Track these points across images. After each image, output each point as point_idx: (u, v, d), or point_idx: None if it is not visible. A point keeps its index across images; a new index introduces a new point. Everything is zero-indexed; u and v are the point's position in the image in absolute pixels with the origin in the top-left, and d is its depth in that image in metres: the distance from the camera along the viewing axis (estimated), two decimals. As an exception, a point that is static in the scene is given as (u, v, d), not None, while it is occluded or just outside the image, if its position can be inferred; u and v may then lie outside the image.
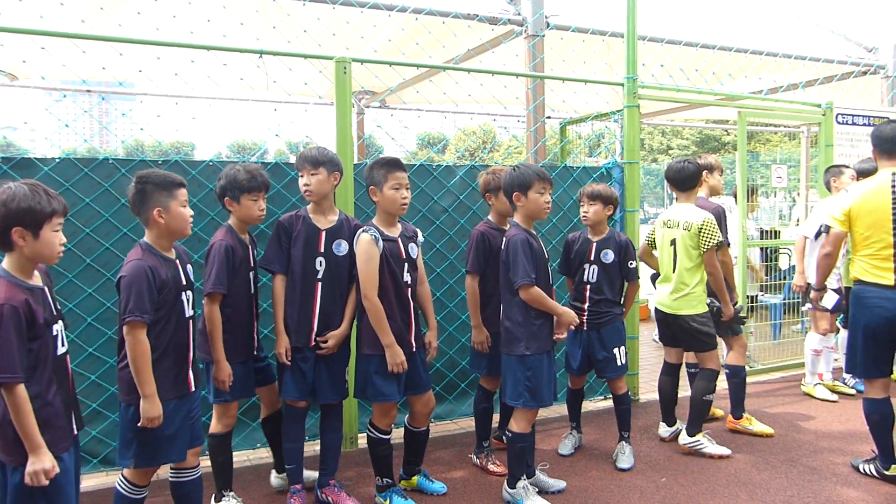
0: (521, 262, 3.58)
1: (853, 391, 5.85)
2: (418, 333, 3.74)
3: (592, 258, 4.40)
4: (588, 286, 4.41)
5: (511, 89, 5.94)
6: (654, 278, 5.18)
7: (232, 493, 3.66)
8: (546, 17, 6.16)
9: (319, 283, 3.62)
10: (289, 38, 5.82)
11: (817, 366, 5.87)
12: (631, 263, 4.42)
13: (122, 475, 3.06)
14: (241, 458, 4.43)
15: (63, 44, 4.75)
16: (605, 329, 4.36)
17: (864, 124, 7.08)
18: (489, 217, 4.29)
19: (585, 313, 4.40)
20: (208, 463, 3.62)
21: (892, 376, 4.19)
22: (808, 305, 5.66)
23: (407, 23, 6.00)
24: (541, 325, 3.69)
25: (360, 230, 3.58)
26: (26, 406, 2.34)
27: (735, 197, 7.26)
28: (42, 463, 2.35)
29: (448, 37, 6.20)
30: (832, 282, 5.61)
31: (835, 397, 5.72)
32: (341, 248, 3.65)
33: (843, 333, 6.00)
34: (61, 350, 2.55)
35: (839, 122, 6.92)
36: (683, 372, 4.97)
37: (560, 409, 5.22)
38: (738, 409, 4.98)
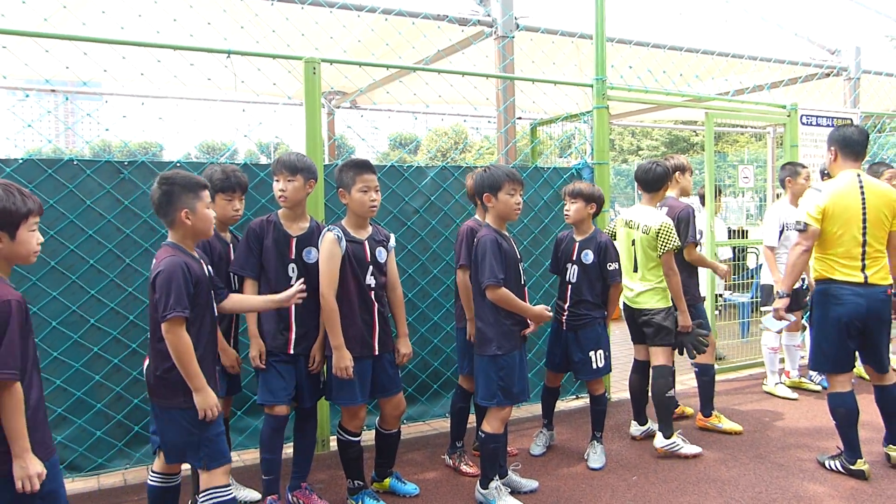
0: (488, 262, 3.59)
1: (819, 388, 5.95)
2: (384, 337, 3.69)
3: (574, 258, 4.41)
4: (569, 286, 4.41)
5: (481, 90, 5.94)
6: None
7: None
8: (516, 19, 6.18)
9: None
10: (257, 38, 5.76)
11: (776, 364, 5.95)
12: (610, 265, 4.36)
13: (154, 470, 3.12)
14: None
15: (25, 42, 4.66)
16: (582, 331, 4.37)
17: (828, 125, 7.21)
18: (476, 216, 4.32)
19: (565, 313, 4.41)
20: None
21: (854, 370, 4.28)
22: (770, 307, 5.75)
23: (376, 23, 5.98)
24: (511, 325, 3.69)
25: (325, 229, 3.56)
26: (21, 406, 2.29)
27: (701, 197, 7.35)
28: (34, 466, 2.30)
29: (418, 37, 6.19)
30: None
31: (796, 395, 5.80)
32: (311, 255, 3.62)
33: (810, 331, 6.10)
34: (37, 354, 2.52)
35: (804, 123, 7.04)
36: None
37: (532, 409, 5.24)
38: (707, 407, 5.04)
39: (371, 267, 3.61)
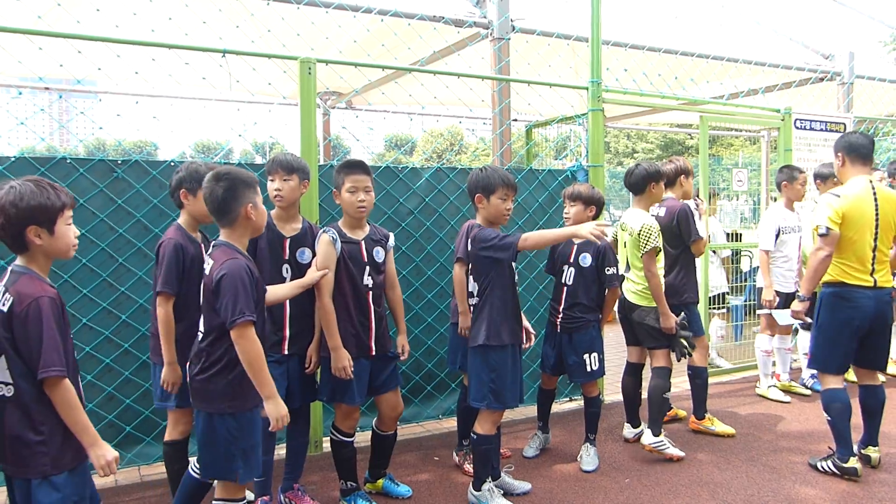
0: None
1: (809, 392, 5.97)
2: (382, 337, 3.69)
3: (571, 260, 4.40)
4: (565, 288, 4.41)
5: (477, 92, 5.95)
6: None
7: None
8: (511, 21, 6.19)
9: None
10: (252, 38, 5.77)
11: (769, 367, 5.96)
12: (609, 269, 4.36)
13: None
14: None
15: (19, 40, 4.64)
16: (576, 334, 4.36)
17: (822, 129, 7.24)
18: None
19: (560, 315, 4.41)
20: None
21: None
22: (765, 310, 5.77)
23: (372, 24, 5.98)
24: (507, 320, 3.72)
25: (321, 230, 3.57)
26: (76, 399, 2.30)
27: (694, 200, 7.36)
28: (110, 451, 2.34)
29: (414, 38, 6.19)
30: (789, 284, 5.72)
31: (788, 398, 5.82)
32: (305, 255, 3.62)
33: (802, 334, 6.11)
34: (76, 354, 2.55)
35: (797, 128, 7.06)
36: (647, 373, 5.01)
37: (525, 411, 5.24)
38: (700, 410, 5.05)
39: (368, 267, 3.60)
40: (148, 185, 4.18)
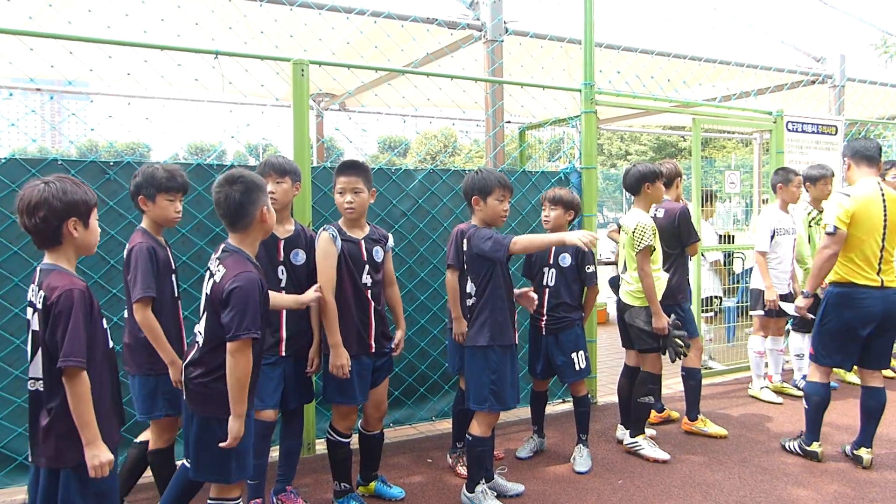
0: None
1: (801, 393, 5.98)
2: (382, 335, 3.71)
3: (551, 262, 4.43)
4: (547, 290, 4.43)
5: (470, 94, 5.95)
6: (611, 282, 5.24)
7: None
8: (505, 23, 6.19)
9: (284, 292, 3.58)
10: (245, 40, 5.74)
11: (761, 368, 5.98)
12: (589, 268, 4.42)
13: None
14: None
15: (10, 41, 4.61)
16: (562, 334, 4.38)
17: (813, 132, 7.27)
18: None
19: (544, 318, 4.42)
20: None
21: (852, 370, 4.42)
22: (759, 311, 5.79)
23: (365, 26, 5.97)
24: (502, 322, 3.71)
25: (321, 228, 3.60)
26: (88, 395, 2.35)
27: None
28: (105, 454, 2.38)
29: (407, 40, 6.19)
30: (783, 286, 5.74)
31: (780, 399, 5.84)
32: (298, 257, 3.63)
33: (794, 336, 6.13)
34: (111, 344, 2.60)
35: (789, 130, 7.09)
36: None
37: (519, 413, 5.24)
38: (693, 411, 5.06)
39: (367, 266, 3.63)
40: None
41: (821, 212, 5.60)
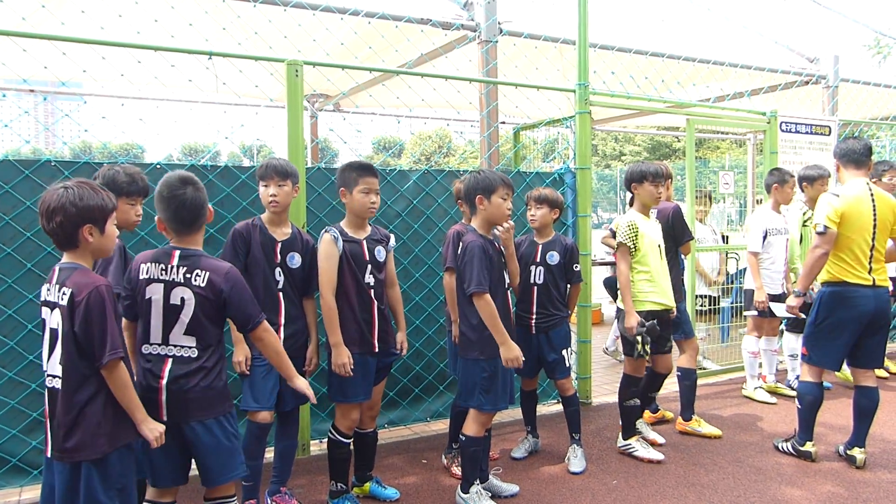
0: (475, 269, 3.59)
1: (795, 393, 5.99)
2: (384, 334, 3.74)
3: (538, 260, 4.45)
4: (535, 287, 4.44)
5: (465, 94, 5.95)
6: (605, 283, 5.26)
7: None
8: (499, 24, 6.19)
9: (281, 294, 3.60)
10: (239, 40, 5.73)
11: (755, 368, 6.00)
12: (576, 266, 4.49)
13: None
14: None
15: (3, 42, 4.61)
16: (552, 332, 4.41)
17: (807, 132, 7.30)
18: (463, 221, 4.38)
19: (533, 317, 4.43)
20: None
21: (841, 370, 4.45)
22: (753, 311, 5.81)
23: (360, 26, 5.97)
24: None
25: (323, 230, 3.61)
26: (129, 381, 2.48)
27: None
28: (157, 425, 2.55)
29: (401, 41, 6.19)
30: (776, 286, 5.75)
31: (774, 400, 5.86)
32: (295, 260, 3.65)
33: (787, 336, 6.15)
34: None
35: (783, 130, 7.11)
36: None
37: (514, 413, 5.24)
38: (687, 412, 5.07)
39: (369, 266, 3.66)
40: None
41: None
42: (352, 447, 3.77)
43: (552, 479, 4.24)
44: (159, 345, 2.76)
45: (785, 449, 4.61)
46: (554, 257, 4.43)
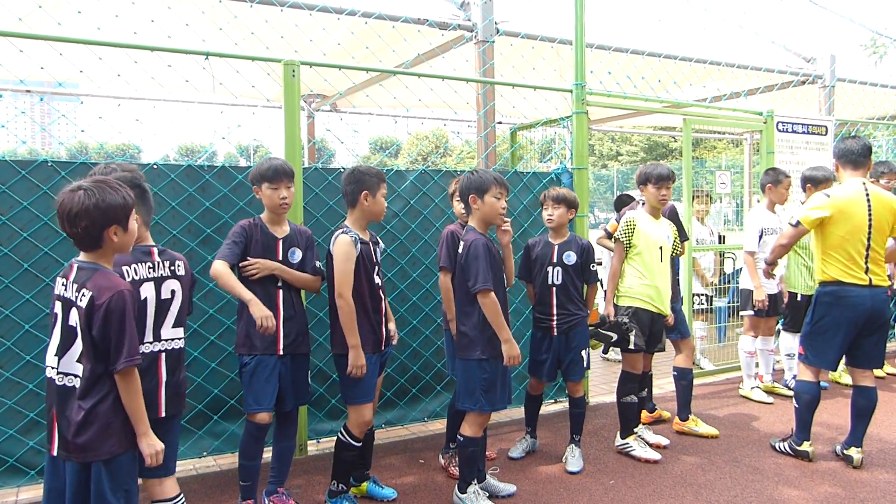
0: (481, 266, 3.60)
1: (791, 392, 6.00)
2: (388, 333, 3.83)
3: (555, 260, 4.44)
4: (553, 288, 4.43)
5: (461, 94, 5.95)
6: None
7: None
8: (496, 24, 6.19)
9: (281, 291, 3.62)
10: (236, 40, 5.73)
11: (752, 368, 6.01)
12: (592, 266, 4.51)
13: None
14: (186, 466, 4.34)
15: (-1, 42, 4.61)
16: (573, 332, 4.42)
17: (803, 132, 7.31)
18: (459, 221, 4.39)
19: (554, 318, 4.41)
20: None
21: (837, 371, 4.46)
22: (749, 311, 5.82)
23: (356, 27, 5.96)
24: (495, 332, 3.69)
25: (339, 231, 3.63)
26: (140, 389, 2.47)
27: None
28: (158, 442, 2.52)
29: (398, 41, 6.18)
30: (772, 285, 5.76)
31: (771, 399, 5.86)
32: (296, 256, 3.70)
33: (784, 336, 6.15)
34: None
35: (780, 130, 7.12)
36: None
37: (511, 414, 5.24)
38: (684, 411, 5.07)
39: (376, 266, 3.75)
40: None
41: None
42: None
43: (549, 479, 4.25)
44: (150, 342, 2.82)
45: (782, 449, 4.61)
46: (571, 257, 4.43)
